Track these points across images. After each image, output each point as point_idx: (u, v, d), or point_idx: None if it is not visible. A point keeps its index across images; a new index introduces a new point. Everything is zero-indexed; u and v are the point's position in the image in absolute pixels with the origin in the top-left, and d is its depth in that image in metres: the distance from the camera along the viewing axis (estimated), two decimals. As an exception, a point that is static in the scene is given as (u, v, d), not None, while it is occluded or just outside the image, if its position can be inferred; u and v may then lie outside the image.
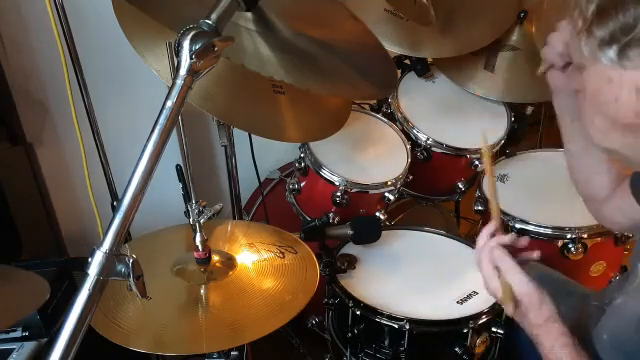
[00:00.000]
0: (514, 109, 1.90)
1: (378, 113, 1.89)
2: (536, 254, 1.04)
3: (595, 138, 0.93)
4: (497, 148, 1.85)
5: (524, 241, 1.04)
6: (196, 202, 1.18)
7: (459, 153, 1.80)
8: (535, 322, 0.97)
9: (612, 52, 0.79)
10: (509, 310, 0.98)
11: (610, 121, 0.86)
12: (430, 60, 1.95)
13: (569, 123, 1.22)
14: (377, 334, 1.33)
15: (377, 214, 1.68)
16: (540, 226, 1.55)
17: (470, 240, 1.62)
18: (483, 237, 1.06)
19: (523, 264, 1.00)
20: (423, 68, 1.93)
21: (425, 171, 1.81)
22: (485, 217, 1.77)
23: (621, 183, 1.14)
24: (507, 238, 1.03)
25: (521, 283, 0.97)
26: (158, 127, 0.81)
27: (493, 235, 1.04)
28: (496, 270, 0.99)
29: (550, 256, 1.53)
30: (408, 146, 1.77)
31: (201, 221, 1.17)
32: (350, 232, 1.46)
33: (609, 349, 0.94)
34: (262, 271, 1.22)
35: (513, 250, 1.02)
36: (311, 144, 1.68)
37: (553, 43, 1.19)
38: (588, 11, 0.80)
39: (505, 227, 1.60)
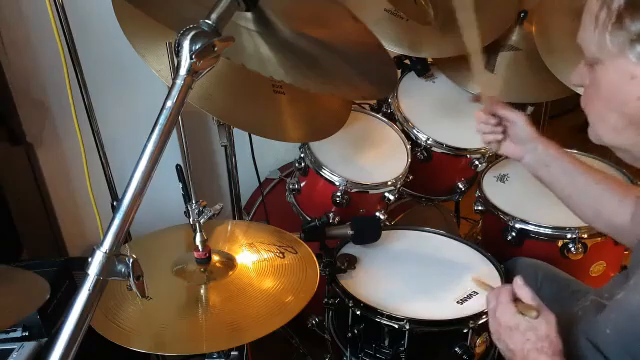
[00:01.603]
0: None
1: (378, 113, 1.89)
2: None
3: (605, 136, 0.89)
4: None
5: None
6: (196, 202, 1.18)
7: (459, 153, 1.80)
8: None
9: None
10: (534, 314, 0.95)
11: (627, 119, 0.83)
12: (430, 60, 1.95)
13: (548, 173, 1.21)
14: (377, 334, 1.33)
15: (377, 214, 1.68)
16: (540, 226, 1.55)
17: (470, 240, 1.62)
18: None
19: None
20: (423, 68, 1.93)
21: (425, 171, 1.81)
22: (484, 217, 1.77)
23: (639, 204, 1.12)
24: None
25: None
26: (158, 127, 0.81)
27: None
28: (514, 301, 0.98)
29: (550, 256, 1.53)
30: (408, 146, 1.77)
31: (201, 221, 1.17)
32: (350, 232, 1.46)
33: (612, 343, 0.93)
34: (262, 271, 1.22)
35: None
36: (311, 144, 1.68)
37: (482, 122, 1.24)
38: (614, 3, 0.77)
39: (505, 227, 1.60)
